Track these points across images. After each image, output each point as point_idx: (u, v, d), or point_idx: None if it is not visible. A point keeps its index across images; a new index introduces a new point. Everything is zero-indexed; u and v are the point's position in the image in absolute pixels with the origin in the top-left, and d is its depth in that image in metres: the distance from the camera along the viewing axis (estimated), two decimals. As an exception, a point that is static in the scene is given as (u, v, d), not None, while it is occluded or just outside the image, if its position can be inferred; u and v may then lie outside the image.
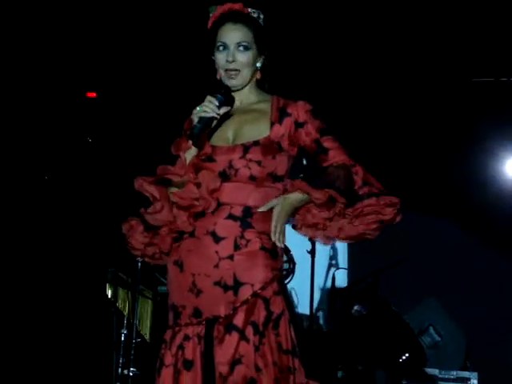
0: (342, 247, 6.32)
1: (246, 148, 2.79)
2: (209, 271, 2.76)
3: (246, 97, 2.93)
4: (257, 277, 2.74)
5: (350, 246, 6.38)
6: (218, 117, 2.80)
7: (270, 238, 2.78)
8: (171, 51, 5.87)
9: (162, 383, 2.78)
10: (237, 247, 2.76)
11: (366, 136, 6.45)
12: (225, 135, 2.86)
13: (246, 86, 2.92)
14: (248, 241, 2.76)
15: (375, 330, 5.22)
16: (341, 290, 5.66)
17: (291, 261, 5.18)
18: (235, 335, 2.68)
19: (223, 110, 2.81)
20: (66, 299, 5.88)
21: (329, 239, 2.83)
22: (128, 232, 2.90)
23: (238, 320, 2.70)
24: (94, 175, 6.12)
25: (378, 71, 6.19)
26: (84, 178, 6.13)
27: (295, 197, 2.77)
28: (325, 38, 5.85)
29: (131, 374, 4.77)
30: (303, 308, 5.81)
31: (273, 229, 2.76)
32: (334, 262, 6.26)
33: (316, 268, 5.56)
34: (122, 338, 4.88)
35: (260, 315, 2.71)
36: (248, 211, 2.77)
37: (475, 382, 5.41)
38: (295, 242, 4.34)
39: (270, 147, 2.80)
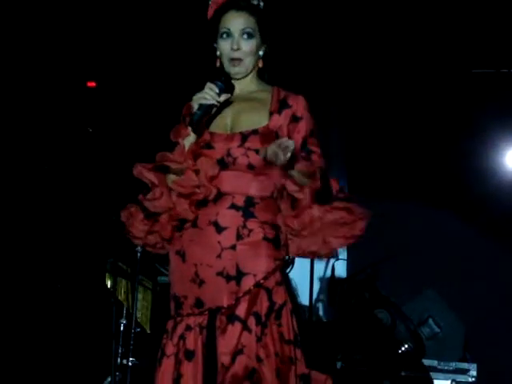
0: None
1: (245, 136, 2.79)
2: (211, 261, 2.75)
3: (246, 85, 2.92)
4: (259, 267, 2.73)
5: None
6: (218, 104, 2.79)
7: (272, 228, 2.78)
8: (171, 40, 5.86)
9: (162, 373, 2.78)
10: (239, 237, 2.75)
11: (365, 127, 6.46)
12: (223, 122, 2.85)
13: (248, 74, 2.91)
14: (250, 231, 2.75)
15: (374, 321, 5.22)
16: (340, 280, 5.66)
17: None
18: (238, 325, 2.68)
19: (223, 98, 2.80)
20: (66, 289, 5.88)
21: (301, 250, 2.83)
22: (128, 220, 2.89)
23: (241, 310, 2.69)
24: (94, 165, 6.11)
25: (377, 63, 6.18)
26: (84, 168, 6.12)
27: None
28: (322, 27, 5.84)
29: (130, 363, 4.76)
30: (303, 299, 5.80)
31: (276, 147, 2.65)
32: (333, 252, 6.25)
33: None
34: (121, 328, 4.87)
35: (262, 306, 2.71)
36: (250, 201, 2.77)
37: (474, 373, 5.41)
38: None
39: (268, 136, 2.78)
